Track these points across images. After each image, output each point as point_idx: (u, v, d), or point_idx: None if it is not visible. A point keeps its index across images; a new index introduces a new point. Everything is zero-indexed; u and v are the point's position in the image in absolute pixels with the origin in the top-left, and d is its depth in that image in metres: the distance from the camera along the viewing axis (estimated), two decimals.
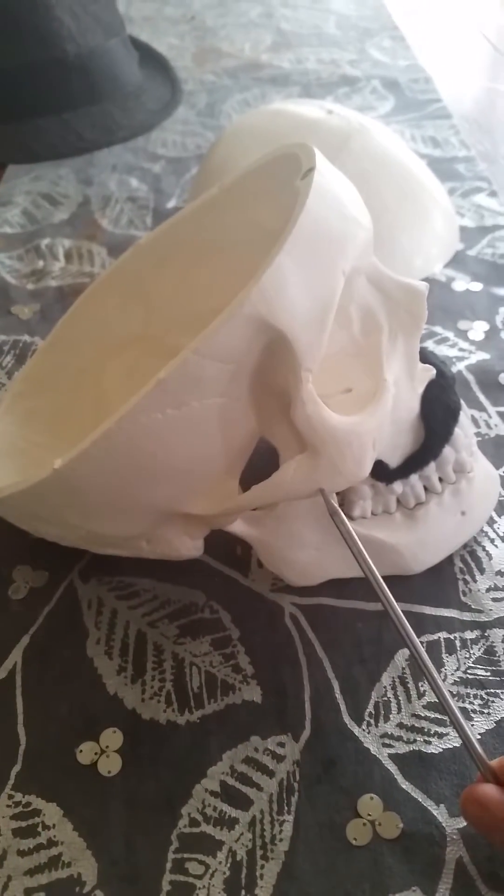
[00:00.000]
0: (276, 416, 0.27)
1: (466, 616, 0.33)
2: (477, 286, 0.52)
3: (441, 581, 0.34)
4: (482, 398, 0.44)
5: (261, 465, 0.29)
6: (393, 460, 0.32)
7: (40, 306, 0.53)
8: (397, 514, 0.33)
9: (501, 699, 0.30)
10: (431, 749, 0.29)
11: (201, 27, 0.99)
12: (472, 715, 0.30)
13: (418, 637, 0.32)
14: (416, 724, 0.30)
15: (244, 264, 0.35)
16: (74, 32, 0.69)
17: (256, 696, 0.31)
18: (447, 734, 0.29)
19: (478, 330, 0.48)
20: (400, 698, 0.30)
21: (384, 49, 0.91)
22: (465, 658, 0.32)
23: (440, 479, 0.33)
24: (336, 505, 0.27)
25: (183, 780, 0.29)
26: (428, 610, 0.33)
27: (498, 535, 0.36)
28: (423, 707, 0.30)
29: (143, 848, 0.27)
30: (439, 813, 0.27)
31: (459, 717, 0.26)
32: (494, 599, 0.33)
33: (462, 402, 0.34)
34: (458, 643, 0.32)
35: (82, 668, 0.32)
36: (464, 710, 0.30)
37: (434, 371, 0.32)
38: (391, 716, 0.30)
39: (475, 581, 0.34)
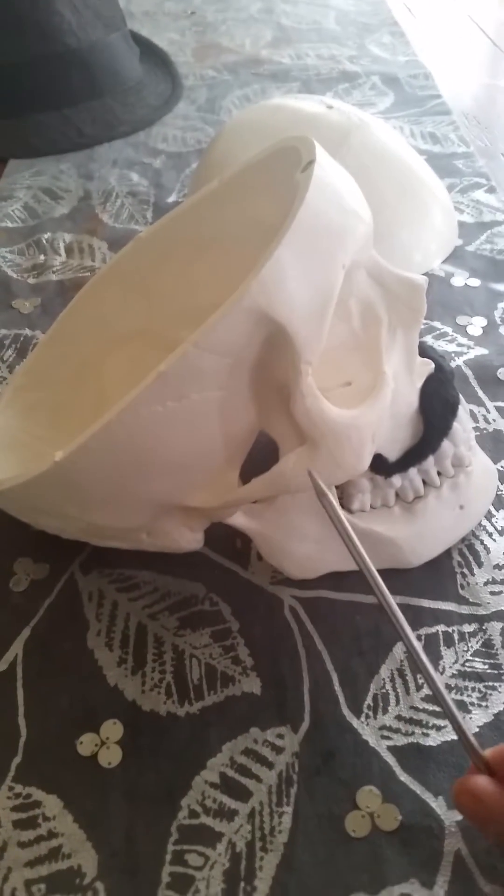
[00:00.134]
0: (276, 409, 0.27)
1: (464, 609, 0.33)
2: (475, 282, 0.52)
3: (439, 574, 0.34)
4: (480, 393, 0.44)
5: (261, 458, 0.29)
6: (392, 454, 0.32)
7: (41, 300, 0.53)
8: (396, 508, 0.33)
9: (499, 692, 0.30)
10: (430, 741, 0.29)
11: (202, 22, 0.99)
12: (470, 708, 0.30)
13: (417, 630, 0.32)
14: (415, 717, 0.30)
15: (244, 258, 0.35)
16: (75, 27, 0.69)
17: (256, 687, 0.31)
18: (445, 727, 0.29)
19: (476, 325, 0.48)
20: (398, 691, 0.31)
21: (384, 45, 0.91)
22: (463, 651, 0.32)
23: (439, 473, 0.33)
24: (324, 487, 0.27)
25: (183, 771, 0.29)
26: (426, 603, 0.33)
27: (496, 528, 0.36)
28: (422, 699, 0.30)
29: (143, 839, 0.27)
30: (438, 805, 0.27)
31: (451, 706, 0.25)
32: (492, 593, 0.34)
33: (461, 396, 0.34)
34: (456, 636, 0.32)
35: (83, 660, 0.32)
36: (462, 703, 0.30)
37: (433, 365, 0.32)
38: (390, 708, 0.30)
39: (473, 575, 0.34)
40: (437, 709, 0.30)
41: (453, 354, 0.46)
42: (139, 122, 0.74)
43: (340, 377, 0.29)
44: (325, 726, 0.30)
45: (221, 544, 0.36)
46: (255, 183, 0.33)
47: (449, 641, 0.32)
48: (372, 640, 0.32)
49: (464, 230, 0.57)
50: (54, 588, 0.35)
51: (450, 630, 0.32)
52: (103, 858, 0.27)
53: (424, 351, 0.33)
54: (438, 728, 0.29)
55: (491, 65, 0.88)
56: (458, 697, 0.30)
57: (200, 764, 0.29)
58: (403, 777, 0.28)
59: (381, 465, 0.32)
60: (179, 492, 0.27)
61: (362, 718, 0.30)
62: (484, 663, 0.31)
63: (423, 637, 0.32)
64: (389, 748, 0.29)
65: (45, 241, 0.59)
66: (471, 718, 0.30)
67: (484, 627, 0.32)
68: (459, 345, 0.47)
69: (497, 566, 0.35)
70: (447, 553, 0.35)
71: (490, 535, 0.36)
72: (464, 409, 0.34)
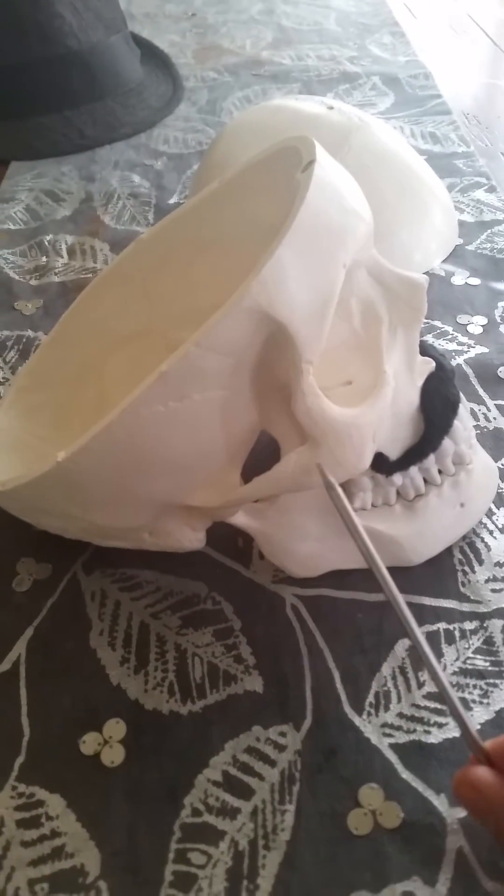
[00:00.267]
0: (277, 409, 0.27)
1: (465, 607, 0.33)
2: (476, 281, 0.52)
3: (440, 572, 0.34)
4: (481, 391, 0.44)
5: (262, 457, 0.30)
6: (393, 452, 0.32)
7: (43, 302, 0.53)
8: (397, 506, 0.33)
9: (500, 689, 0.30)
10: (431, 739, 0.29)
11: (202, 24, 0.99)
12: (472, 705, 0.30)
13: (418, 628, 0.32)
14: (416, 714, 0.30)
15: (245, 258, 0.35)
16: (76, 29, 0.69)
17: (258, 686, 0.31)
18: (447, 724, 0.29)
19: (476, 324, 0.48)
20: (400, 688, 0.31)
21: (384, 45, 0.91)
22: (465, 648, 0.32)
23: (439, 472, 0.33)
24: (331, 479, 0.27)
25: (185, 770, 0.29)
26: (427, 601, 0.33)
27: (496, 526, 0.36)
28: (423, 697, 0.30)
29: (146, 838, 0.27)
30: (440, 803, 0.27)
31: (453, 696, 0.25)
32: (493, 590, 0.34)
33: (461, 395, 0.34)
34: (457, 634, 0.32)
35: (85, 659, 0.32)
36: (463, 701, 0.30)
37: (433, 364, 0.32)
38: (391, 706, 0.30)
39: (474, 572, 0.34)
40: (439, 706, 0.30)
41: (454, 353, 0.46)
42: (140, 123, 0.74)
43: (341, 376, 0.29)
44: (327, 724, 0.30)
45: (223, 543, 0.36)
46: (255, 183, 0.33)
47: (450, 639, 0.32)
48: (374, 638, 0.32)
49: (464, 229, 0.57)
50: (57, 588, 0.35)
51: (451, 627, 0.32)
52: (106, 857, 0.27)
53: (425, 350, 0.33)
54: (440, 725, 0.29)
55: (491, 64, 0.88)
56: (460, 695, 0.30)
57: (203, 762, 0.29)
58: (405, 775, 0.28)
59: (382, 464, 0.32)
60: (181, 491, 0.27)
61: (364, 716, 0.30)
62: (485, 660, 0.31)
63: (424, 635, 0.32)
64: (391, 746, 0.29)
65: (47, 243, 0.59)
66: (472, 716, 0.30)
67: (485, 625, 0.32)
68: (460, 343, 0.47)
69: (498, 564, 0.35)
70: (448, 551, 0.35)
71: (491, 532, 0.36)
72: (464, 407, 0.34)
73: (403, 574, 0.34)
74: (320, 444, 0.26)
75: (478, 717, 0.30)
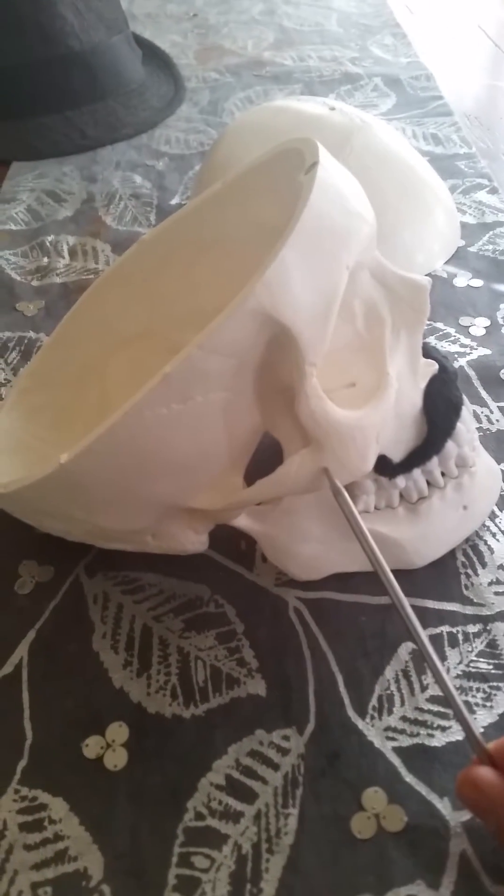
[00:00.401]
0: (280, 411, 0.27)
1: (469, 610, 0.33)
2: (478, 282, 0.52)
3: (443, 575, 0.34)
4: (483, 393, 0.44)
5: (265, 459, 0.29)
6: (396, 455, 0.32)
7: (45, 303, 0.53)
8: (400, 509, 0.33)
9: None
10: (435, 742, 0.29)
11: (204, 25, 0.99)
12: (475, 708, 0.30)
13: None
14: (420, 718, 0.30)
15: (247, 260, 0.35)
16: (77, 29, 0.69)
17: (261, 689, 0.31)
18: (450, 727, 0.29)
19: (479, 326, 0.48)
20: (403, 692, 0.30)
21: (386, 46, 0.91)
22: (468, 652, 0.32)
23: (442, 474, 0.33)
24: (339, 485, 0.27)
25: (188, 773, 0.29)
26: (430, 604, 0.33)
27: (500, 529, 0.36)
28: (427, 700, 0.30)
29: (149, 842, 0.27)
30: (443, 806, 0.27)
31: (455, 696, 0.25)
32: (496, 593, 0.34)
33: (464, 397, 0.34)
34: (460, 637, 0.32)
35: (88, 662, 0.32)
36: (466, 704, 0.30)
37: (436, 366, 0.32)
38: (395, 709, 0.30)
39: (477, 575, 0.34)
40: (443, 710, 0.30)
41: (456, 355, 0.46)
42: (142, 124, 0.74)
43: (344, 378, 0.29)
44: (331, 728, 0.30)
45: (226, 546, 0.36)
46: (258, 185, 0.33)
47: (453, 642, 0.32)
48: (377, 642, 0.32)
49: (466, 231, 0.57)
50: (59, 590, 0.35)
51: (454, 631, 0.32)
52: (109, 861, 0.27)
53: (428, 352, 0.33)
54: (444, 729, 0.29)
55: (492, 66, 0.88)
56: (463, 698, 0.30)
57: (206, 766, 0.29)
58: (409, 778, 0.28)
59: (385, 466, 0.32)
60: (184, 494, 0.27)
61: (367, 720, 0.30)
62: (488, 664, 0.31)
63: (427, 637, 0.32)
64: (395, 749, 0.29)
65: (48, 244, 0.59)
66: (475, 719, 0.30)
67: (488, 628, 0.32)
68: (462, 346, 0.47)
69: (501, 566, 0.35)
70: (451, 554, 0.35)
71: (494, 535, 0.36)
72: (467, 409, 0.34)
73: (406, 577, 0.34)
74: (324, 446, 0.26)
75: (481, 720, 0.29)
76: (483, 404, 0.43)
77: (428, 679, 0.31)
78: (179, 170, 0.68)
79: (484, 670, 0.31)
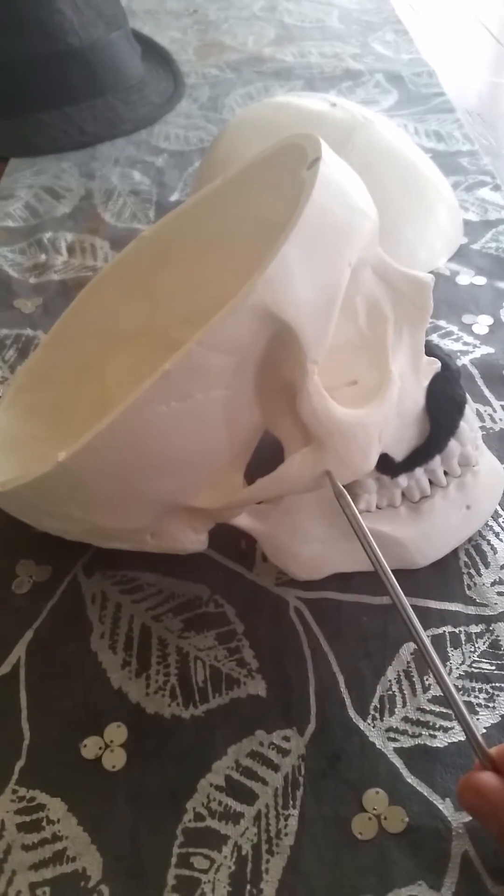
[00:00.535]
0: (281, 409, 0.27)
1: (471, 610, 0.33)
2: (481, 280, 0.52)
3: (446, 575, 0.34)
4: (487, 392, 0.43)
5: (266, 458, 0.29)
6: (398, 454, 0.31)
7: (43, 300, 0.53)
8: (402, 508, 0.33)
9: None
10: (437, 743, 0.29)
11: (204, 21, 0.99)
12: (478, 709, 0.30)
13: (424, 631, 0.32)
14: (422, 718, 0.29)
15: (248, 256, 0.35)
16: (76, 25, 0.69)
17: (261, 690, 0.31)
18: (452, 728, 0.29)
19: (482, 324, 0.48)
20: (405, 692, 0.30)
21: (387, 43, 0.90)
22: (470, 652, 0.31)
23: (445, 473, 0.33)
24: (342, 487, 0.27)
25: (188, 774, 0.28)
26: (433, 604, 0.33)
27: (503, 528, 0.36)
28: (429, 701, 0.30)
29: (148, 843, 0.27)
30: (445, 807, 0.27)
31: (459, 702, 0.25)
32: (499, 593, 0.33)
33: (467, 395, 0.34)
34: (463, 637, 0.32)
35: (86, 662, 0.32)
36: (469, 705, 0.30)
37: (439, 364, 0.32)
38: (396, 710, 0.30)
39: (480, 575, 0.34)
40: (445, 710, 0.30)
41: (459, 353, 0.46)
42: (141, 120, 0.74)
43: (346, 376, 0.29)
44: (332, 728, 0.29)
45: (226, 545, 0.36)
46: (259, 180, 0.33)
47: (456, 642, 0.32)
48: (378, 642, 0.32)
49: (469, 228, 0.57)
50: (57, 590, 0.35)
51: (457, 631, 0.32)
52: (108, 861, 0.26)
53: (430, 349, 0.32)
54: (446, 730, 0.29)
55: (495, 62, 0.87)
56: (466, 699, 0.30)
57: (206, 767, 0.29)
58: (410, 779, 0.28)
59: (387, 465, 0.31)
60: (183, 492, 0.27)
61: (369, 720, 0.30)
62: (491, 664, 0.31)
63: (429, 638, 0.32)
64: (396, 750, 0.29)
65: (46, 241, 0.59)
66: (478, 720, 0.29)
67: (491, 628, 0.32)
68: (465, 343, 0.47)
69: None
70: (454, 553, 0.35)
71: (497, 535, 0.36)
72: (470, 408, 0.34)
73: (409, 577, 0.33)
74: (325, 444, 0.26)
75: (484, 720, 0.29)
76: (486, 403, 0.43)
77: (430, 679, 0.31)
78: (179, 166, 0.68)
79: (487, 671, 0.31)
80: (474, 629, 0.32)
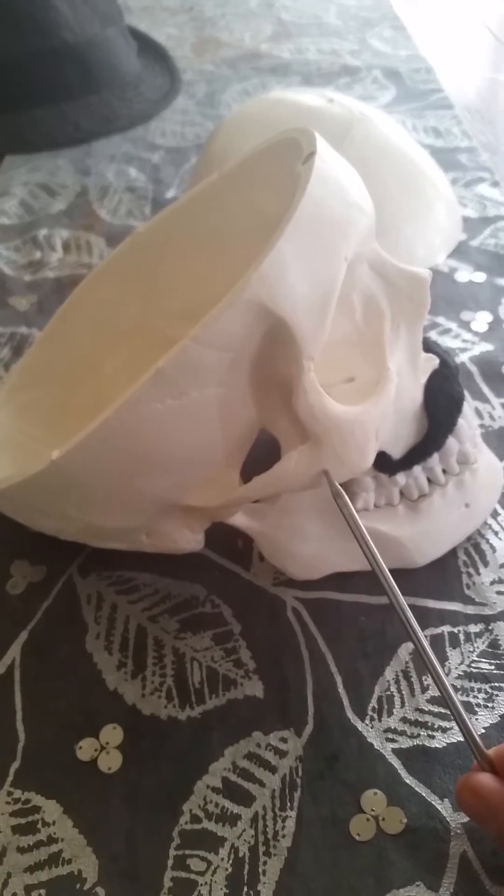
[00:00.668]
0: (277, 406, 0.26)
1: (470, 609, 0.33)
2: (480, 277, 0.52)
3: (445, 574, 0.34)
4: (486, 389, 0.43)
5: (262, 456, 0.29)
6: (396, 451, 0.31)
7: (37, 298, 0.52)
8: (400, 507, 0.33)
9: None
10: (435, 743, 0.29)
11: (200, 17, 0.98)
12: (477, 709, 0.29)
13: (422, 630, 0.32)
14: (420, 719, 0.29)
15: (244, 252, 0.34)
16: (71, 21, 0.69)
17: (258, 691, 0.30)
18: (451, 728, 0.29)
19: (481, 321, 0.48)
20: (403, 693, 0.30)
21: (385, 39, 0.90)
22: (469, 652, 0.31)
23: (444, 471, 0.33)
24: (339, 487, 0.26)
25: (184, 776, 0.28)
26: (431, 603, 0.33)
27: (502, 527, 0.36)
28: (427, 701, 0.30)
29: (144, 845, 0.27)
30: (443, 808, 0.27)
31: (457, 703, 0.25)
32: (498, 592, 0.33)
33: (466, 392, 0.33)
34: (461, 637, 0.32)
35: (81, 663, 0.32)
36: (468, 705, 0.30)
37: (437, 360, 0.32)
38: (394, 710, 0.30)
39: (479, 574, 0.34)
40: (443, 711, 0.29)
41: (457, 350, 0.46)
42: (137, 116, 0.74)
43: (343, 373, 0.28)
44: (329, 729, 0.29)
45: (222, 545, 0.35)
46: (255, 175, 0.33)
47: (455, 642, 0.32)
48: (376, 642, 0.32)
49: (467, 225, 0.57)
50: (52, 591, 0.34)
51: (455, 630, 0.32)
52: (104, 864, 0.26)
53: (429, 346, 0.32)
54: (444, 730, 0.29)
55: (493, 58, 0.87)
56: (464, 699, 0.30)
57: (202, 768, 0.28)
58: (409, 780, 0.28)
59: (385, 463, 0.31)
60: (179, 491, 0.27)
61: (367, 721, 0.29)
62: (490, 664, 0.31)
63: (428, 638, 0.31)
64: (394, 751, 0.28)
65: (41, 238, 0.58)
66: (477, 720, 0.29)
67: (490, 628, 0.32)
68: (464, 341, 0.47)
69: (503, 565, 0.34)
70: (453, 552, 0.34)
71: (496, 533, 0.35)
72: (469, 405, 0.33)
73: (407, 576, 0.33)
74: (322, 442, 0.26)
75: (483, 720, 0.29)
76: (485, 400, 0.42)
77: (428, 680, 0.30)
78: (175, 163, 0.67)
79: (486, 671, 0.30)
80: (473, 629, 0.32)
